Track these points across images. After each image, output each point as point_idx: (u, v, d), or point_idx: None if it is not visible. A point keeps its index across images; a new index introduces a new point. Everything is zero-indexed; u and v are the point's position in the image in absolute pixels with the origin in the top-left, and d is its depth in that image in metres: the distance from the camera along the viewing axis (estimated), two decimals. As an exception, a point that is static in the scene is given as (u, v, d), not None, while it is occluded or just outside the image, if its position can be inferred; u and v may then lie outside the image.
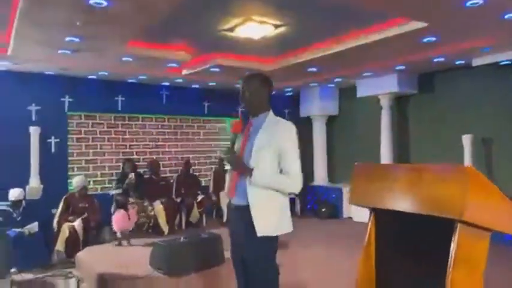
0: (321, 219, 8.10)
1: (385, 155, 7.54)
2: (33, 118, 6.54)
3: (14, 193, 5.73)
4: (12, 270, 5.19)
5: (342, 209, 8.23)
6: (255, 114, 2.49)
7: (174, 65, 6.34)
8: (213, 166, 8.56)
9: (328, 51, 5.72)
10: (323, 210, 8.22)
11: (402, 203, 1.80)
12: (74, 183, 6.25)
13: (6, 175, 5.90)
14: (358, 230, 2.44)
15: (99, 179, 7.39)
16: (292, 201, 8.56)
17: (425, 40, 5.09)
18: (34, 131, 6.46)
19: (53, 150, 6.75)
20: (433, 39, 5.04)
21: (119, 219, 5.84)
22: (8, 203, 5.69)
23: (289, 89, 8.90)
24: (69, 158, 7.04)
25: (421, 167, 1.81)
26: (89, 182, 7.02)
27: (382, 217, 1.96)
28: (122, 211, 5.94)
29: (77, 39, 4.62)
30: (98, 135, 7.42)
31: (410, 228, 1.87)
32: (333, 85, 8.55)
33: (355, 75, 7.34)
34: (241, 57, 6.34)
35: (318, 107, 8.89)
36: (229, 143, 2.50)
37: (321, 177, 8.98)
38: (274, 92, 8.42)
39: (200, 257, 4.75)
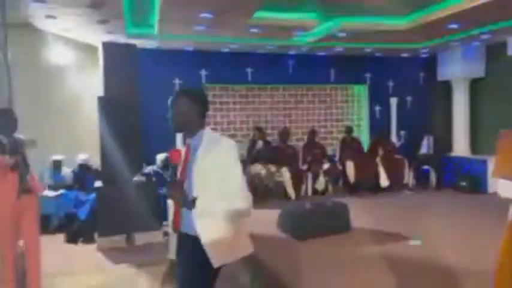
0: (460, 193, 7.39)
1: (545, 122, 6.41)
2: (177, 91, 7.32)
3: (161, 157, 6.61)
4: (164, 223, 6.06)
5: (485, 183, 7.34)
6: (189, 135, 2.24)
7: (300, 32, 6.32)
8: (339, 135, 8.45)
9: (473, 2, 5.00)
10: (463, 183, 7.46)
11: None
12: None
13: (157, 142, 6.79)
14: (504, 208, 2.16)
15: (232, 146, 7.98)
16: (426, 173, 8.06)
17: None
18: (177, 103, 7.24)
19: (192, 119, 7.47)
20: None
21: None
22: (160, 164, 6.59)
23: (425, 51, 8.11)
24: (207, 127, 7.71)
25: None
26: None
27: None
28: None
29: (209, 15, 4.94)
30: (231, 106, 7.96)
31: None
32: (478, 43, 7.50)
33: (506, 30, 6.27)
34: (369, 19, 5.99)
35: (460, 69, 7.94)
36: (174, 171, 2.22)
37: (461, 147, 8.13)
38: (406, 55, 7.75)
39: (326, 224, 4.84)
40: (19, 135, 3.56)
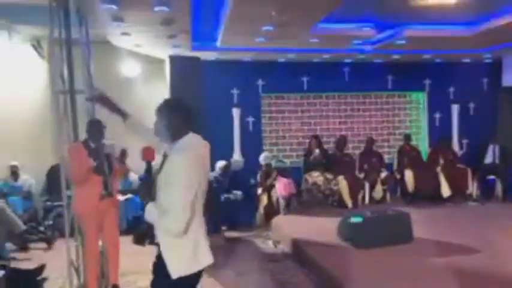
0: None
1: None
2: (235, 101, 7.58)
3: (220, 164, 6.85)
4: (223, 228, 6.30)
5: (559, 194, 6.89)
6: (171, 143, 2.25)
7: (359, 41, 6.34)
8: (396, 143, 8.29)
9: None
10: (532, 194, 7.06)
11: None
12: (261, 160, 7.01)
13: (217, 150, 7.05)
14: None
15: (288, 153, 8.10)
16: (492, 183, 7.66)
17: None
18: (236, 112, 7.50)
19: (250, 128, 7.69)
20: None
21: (281, 186, 6.52)
22: (219, 171, 6.83)
23: (489, 56, 7.78)
24: (263, 135, 7.91)
25: None
26: (279, 155, 7.85)
27: None
28: (284, 179, 6.58)
29: (271, 28, 5.12)
30: (286, 114, 8.09)
31: None
32: (548, 47, 7.08)
33: None
34: (431, 26, 5.89)
35: (527, 75, 7.55)
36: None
37: (529, 156, 7.69)
38: (468, 61, 7.48)
39: (387, 233, 4.80)
40: (106, 141, 3.92)
